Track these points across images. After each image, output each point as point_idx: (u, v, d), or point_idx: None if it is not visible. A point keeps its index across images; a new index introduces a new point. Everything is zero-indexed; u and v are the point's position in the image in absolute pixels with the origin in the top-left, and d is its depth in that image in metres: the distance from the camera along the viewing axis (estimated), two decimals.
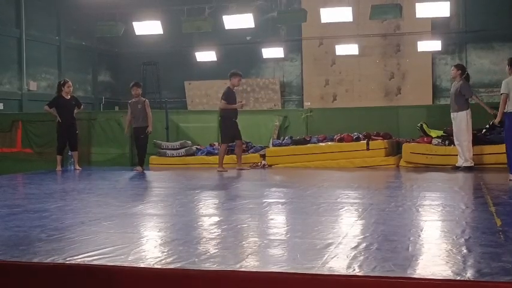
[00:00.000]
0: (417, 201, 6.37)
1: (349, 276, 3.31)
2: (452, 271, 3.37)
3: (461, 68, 10.37)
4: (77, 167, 11.63)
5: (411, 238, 4.38)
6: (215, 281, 3.47)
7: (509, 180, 8.24)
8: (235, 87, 11.22)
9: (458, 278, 3.23)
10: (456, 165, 10.08)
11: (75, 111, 11.77)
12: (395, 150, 11.61)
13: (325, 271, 3.42)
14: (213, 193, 7.77)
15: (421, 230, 4.79)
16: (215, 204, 6.96)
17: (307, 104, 21.88)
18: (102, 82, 23.93)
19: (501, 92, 8.51)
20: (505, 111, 8.42)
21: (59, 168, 11.49)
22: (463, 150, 9.98)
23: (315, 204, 6.21)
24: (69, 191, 7.85)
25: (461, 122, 9.97)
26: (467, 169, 9.83)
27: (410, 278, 3.25)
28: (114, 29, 17.37)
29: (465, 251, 3.86)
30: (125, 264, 3.66)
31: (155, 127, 12.76)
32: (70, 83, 11.78)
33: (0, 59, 18.48)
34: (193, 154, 12.22)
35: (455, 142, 10.15)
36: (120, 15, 18.06)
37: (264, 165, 11.31)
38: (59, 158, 11.61)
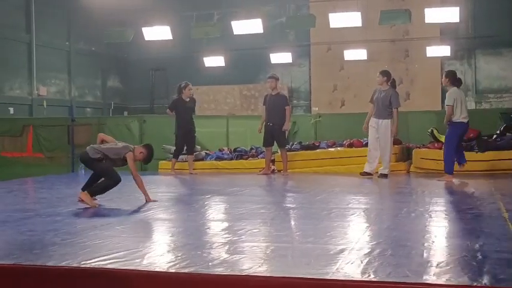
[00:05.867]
0: (429, 207, 6.34)
1: (365, 282, 3.30)
2: (468, 277, 3.35)
3: (387, 75, 10.23)
4: (192, 171, 11.39)
5: (425, 244, 4.36)
6: (229, 286, 3.47)
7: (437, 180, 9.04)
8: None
9: (475, 284, 3.21)
10: (365, 170, 10.04)
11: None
12: (405, 155, 11.58)
13: (340, 276, 3.41)
14: (223, 198, 7.77)
15: (435, 236, 4.77)
16: (226, 209, 6.97)
17: (315, 109, 21.87)
18: (111, 87, 24.03)
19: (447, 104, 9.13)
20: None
21: (172, 171, 11.42)
22: (386, 158, 9.92)
23: (325, 209, 6.20)
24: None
25: (387, 130, 9.88)
26: (384, 176, 9.83)
27: (427, 284, 3.24)
28: (124, 35, 17.42)
29: (480, 257, 3.84)
30: (140, 269, 3.67)
31: (165, 132, 12.78)
32: (191, 85, 11.59)
33: (11, 64, 18.61)
34: (202, 159, 12.23)
35: (374, 148, 10.01)
36: (129, 21, 18.14)
37: (273, 170, 11.29)
38: (173, 161, 11.52)
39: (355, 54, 20.36)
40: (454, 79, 9.38)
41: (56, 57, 20.74)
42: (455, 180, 9.05)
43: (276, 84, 11.16)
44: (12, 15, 18.93)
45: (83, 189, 6.88)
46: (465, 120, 9.20)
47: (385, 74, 10.24)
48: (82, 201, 6.68)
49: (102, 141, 7.05)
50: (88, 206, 6.58)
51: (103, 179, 6.90)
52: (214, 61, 21.38)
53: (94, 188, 6.82)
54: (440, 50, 20.22)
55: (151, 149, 7.14)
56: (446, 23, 17.60)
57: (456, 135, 9.24)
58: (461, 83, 9.64)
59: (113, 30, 17.87)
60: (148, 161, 7.30)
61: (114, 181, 6.83)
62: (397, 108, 9.96)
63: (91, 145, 7.02)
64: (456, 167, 9.43)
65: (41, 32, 19.83)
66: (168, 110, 11.80)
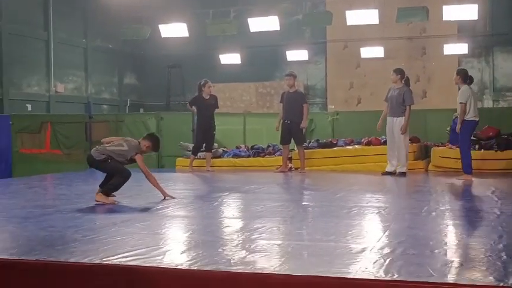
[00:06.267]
0: (450, 205, 6.29)
1: (389, 282, 3.26)
2: (493, 277, 3.30)
3: (401, 73, 10.20)
4: (209, 168, 11.42)
5: (448, 243, 4.32)
6: (252, 284, 3.45)
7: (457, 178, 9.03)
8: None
9: (501, 284, 3.16)
10: (387, 170, 10.07)
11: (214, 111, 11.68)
12: (423, 154, 11.50)
13: (363, 276, 3.38)
14: (241, 195, 7.76)
15: (457, 235, 4.73)
16: (245, 206, 6.95)
17: (331, 107, 21.82)
18: (127, 84, 24.13)
19: (460, 101, 9.06)
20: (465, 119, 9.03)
21: (190, 168, 11.43)
22: (402, 156, 9.90)
23: (345, 207, 6.16)
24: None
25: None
26: (403, 174, 9.83)
27: (452, 284, 3.19)
28: (141, 32, 17.47)
29: (505, 257, 3.79)
30: (162, 266, 3.67)
31: (181, 129, 12.79)
32: (210, 83, 11.65)
33: (29, 61, 18.76)
34: (219, 156, 12.23)
35: (390, 147, 10.07)
36: (146, 18, 18.18)
37: (290, 168, 11.27)
38: (192, 157, 11.55)
39: (372, 51, 20.26)
40: (465, 77, 9.38)
41: (73, 54, 20.87)
42: (475, 179, 8.97)
43: (294, 82, 11.16)
44: (31, 13, 19.08)
45: (100, 187, 6.91)
46: (476, 119, 9.20)
47: (399, 72, 10.22)
48: (98, 201, 6.66)
49: (109, 142, 6.95)
50: (106, 204, 6.60)
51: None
52: (230, 58, 21.37)
53: (107, 186, 6.80)
54: (457, 48, 20.06)
55: (155, 138, 7.11)
56: (464, 20, 17.42)
57: (468, 133, 9.25)
58: (472, 81, 9.64)
59: (129, 28, 17.93)
60: (157, 150, 7.26)
61: (124, 177, 6.81)
62: (409, 106, 9.93)
63: (96, 147, 6.97)
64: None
65: (59, 29, 19.96)
66: (188, 104, 11.86)
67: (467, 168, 9.13)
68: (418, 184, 9.12)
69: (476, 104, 9.34)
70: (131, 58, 23.93)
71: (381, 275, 3.38)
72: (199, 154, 11.69)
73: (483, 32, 20.93)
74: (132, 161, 6.85)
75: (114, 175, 6.81)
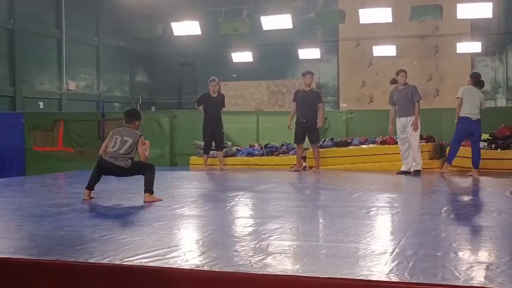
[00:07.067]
0: (469, 206, 6.23)
1: (415, 285, 3.19)
2: None
3: (406, 72, 10.29)
4: (223, 167, 11.38)
5: (471, 245, 4.25)
6: (275, 286, 3.40)
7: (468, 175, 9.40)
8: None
9: None
10: (402, 170, 10.11)
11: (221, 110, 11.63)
12: (439, 153, 11.42)
13: (388, 278, 3.32)
14: (257, 195, 7.69)
15: (480, 237, 4.65)
16: (261, 206, 6.85)
17: (343, 105, 21.74)
18: (139, 82, 24.16)
19: (457, 96, 9.50)
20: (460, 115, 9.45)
21: (205, 167, 11.44)
22: (416, 154, 9.95)
23: (363, 208, 6.09)
24: (115, 190, 7.85)
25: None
26: (417, 172, 9.90)
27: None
28: (153, 30, 17.47)
29: None
30: (184, 267, 3.63)
31: (195, 128, 12.75)
32: (215, 82, 11.55)
33: (41, 59, 18.82)
34: (233, 155, 12.18)
35: (402, 147, 10.13)
36: (158, 16, 18.18)
37: (305, 167, 11.21)
38: (205, 157, 11.54)
39: (384, 50, 20.20)
40: (476, 80, 9.70)
41: (85, 52, 20.93)
42: (492, 179, 8.89)
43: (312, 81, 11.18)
44: (43, 11, 19.13)
45: (88, 188, 6.91)
46: (472, 117, 9.40)
47: (406, 72, 10.25)
48: (149, 202, 6.56)
49: (113, 147, 6.82)
50: (121, 203, 6.59)
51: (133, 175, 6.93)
52: (242, 56, 21.36)
53: (147, 185, 6.72)
54: (470, 46, 19.93)
55: (135, 111, 7.25)
56: (477, 18, 17.30)
57: (458, 129, 9.53)
58: (483, 86, 9.97)
59: (142, 25, 17.94)
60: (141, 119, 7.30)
61: (153, 170, 6.83)
62: (418, 102, 10.00)
63: (110, 155, 6.81)
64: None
65: (71, 27, 20.01)
66: (196, 104, 11.84)
67: (448, 159, 9.73)
68: (434, 184, 9.02)
69: (474, 104, 9.45)
70: (143, 56, 23.95)
71: (406, 277, 3.32)
72: (212, 152, 11.66)
73: (497, 31, 20.78)
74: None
75: (144, 172, 6.78)
